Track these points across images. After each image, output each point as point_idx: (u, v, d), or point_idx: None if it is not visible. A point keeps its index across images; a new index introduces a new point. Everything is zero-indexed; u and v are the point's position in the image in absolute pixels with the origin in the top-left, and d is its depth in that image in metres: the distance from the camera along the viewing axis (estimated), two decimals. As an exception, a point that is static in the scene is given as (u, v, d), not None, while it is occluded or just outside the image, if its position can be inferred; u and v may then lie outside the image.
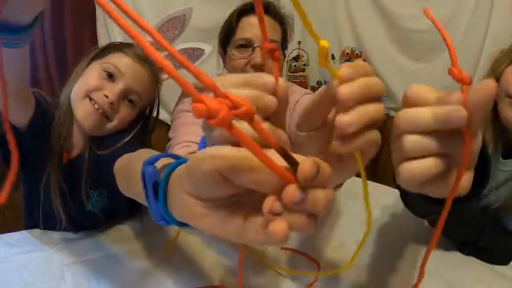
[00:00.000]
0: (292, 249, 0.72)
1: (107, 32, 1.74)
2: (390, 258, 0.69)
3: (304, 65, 2.25)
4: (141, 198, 0.41)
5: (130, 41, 0.79)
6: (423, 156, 0.28)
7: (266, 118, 0.30)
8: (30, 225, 0.81)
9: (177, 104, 0.96)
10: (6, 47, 0.42)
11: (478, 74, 1.74)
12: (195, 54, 0.97)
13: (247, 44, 0.88)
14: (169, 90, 1.03)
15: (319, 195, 0.21)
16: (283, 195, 0.21)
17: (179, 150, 0.82)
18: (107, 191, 0.79)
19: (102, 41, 1.73)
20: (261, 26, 0.29)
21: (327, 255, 0.71)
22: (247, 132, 0.19)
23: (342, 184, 0.68)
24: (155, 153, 0.57)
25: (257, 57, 0.84)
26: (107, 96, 0.71)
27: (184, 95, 0.97)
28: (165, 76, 0.88)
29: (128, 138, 0.75)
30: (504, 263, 0.68)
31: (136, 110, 0.78)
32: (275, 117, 0.31)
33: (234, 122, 0.19)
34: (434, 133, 0.27)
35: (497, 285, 0.63)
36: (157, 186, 0.30)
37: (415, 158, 0.28)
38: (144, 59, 0.77)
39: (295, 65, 2.25)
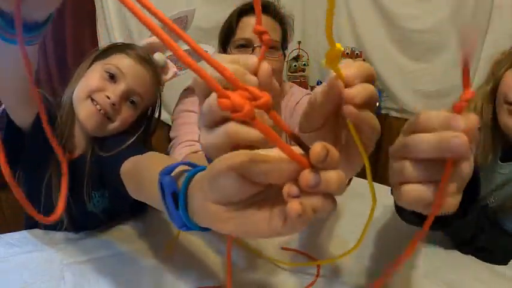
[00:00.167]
0: (292, 249, 0.72)
1: (107, 32, 1.74)
2: (390, 258, 0.69)
3: (304, 65, 2.25)
4: (153, 202, 0.42)
5: (130, 41, 0.79)
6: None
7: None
8: (30, 225, 0.81)
9: (177, 105, 0.96)
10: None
11: (478, 74, 1.74)
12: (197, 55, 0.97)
13: (247, 44, 0.88)
14: (170, 91, 1.03)
15: (331, 175, 0.22)
16: (299, 180, 0.22)
17: (182, 149, 0.82)
18: (108, 192, 0.79)
19: (102, 41, 1.73)
20: (256, 9, 0.30)
21: (328, 255, 0.72)
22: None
23: (349, 182, 0.68)
24: (163, 156, 0.58)
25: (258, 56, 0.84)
26: (108, 97, 0.71)
27: (184, 95, 0.97)
28: (167, 77, 0.88)
29: (132, 140, 0.75)
30: (503, 262, 0.68)
31: (138, 111, 0.78)
32: None
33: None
34: (434, 160, 0.28)
35: (496, 285, 0.63)
36: (176, 195, 0.31)
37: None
38: (146, 60, 0.77)
39: (295, 65, 2.25)
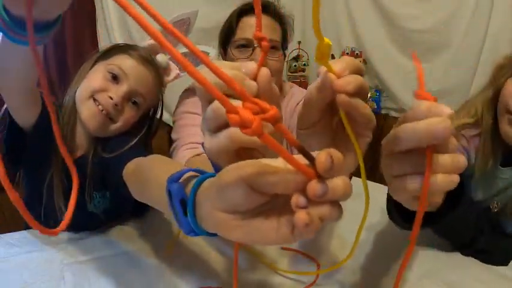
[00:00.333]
0: (292, 250, 0.72)
1: (107, 32, 1.74)
2: (389, 258, 0.69)
3: (304, 65, 2.25)
4: (157, 205, 0.43)
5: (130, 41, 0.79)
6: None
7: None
8: (30, 225, 0.81)
9: (178, 106, 0.96)
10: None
11: (478, 74, 1.74)
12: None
13: (247, 44, 0.88)
14: (170, 92, 1.03)
15: (337, 182, 0.23)
16: (307, 191, 0.23)
17: (184, 152, 0.82)
18: (110, 193, 0.79)
19: (102, 41, 1.73)
20: (256, 9, 0.31)
21: (327, 255, 0.71)
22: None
23: (350, 177, 0.68)
24: (166, 159, 0.58)
25: (257, 57, 0.84)
26: (111, 98, 0.72)
27: (185, 96, 0.96)
28: (169, 78, 0.88)
29: (134, 141, 0.75)
30: (504, 263, 0.68)
31: (140, 112, 0.78)
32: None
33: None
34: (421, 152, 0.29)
35: (497, 286, 0.63)
36: (184, 202, 0.32)
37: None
38: (149, 61, 0.78)
39: (295, 65, 2.24)
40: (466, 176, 0.49)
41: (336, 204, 0.24)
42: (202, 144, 0.34)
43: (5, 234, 0.76)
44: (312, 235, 0.24)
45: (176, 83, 0.91)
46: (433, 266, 0.67)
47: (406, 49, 1.98)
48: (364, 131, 0.33)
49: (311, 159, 0.23)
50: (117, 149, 0.71)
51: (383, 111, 2.12)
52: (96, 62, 0.77)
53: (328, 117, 0.35)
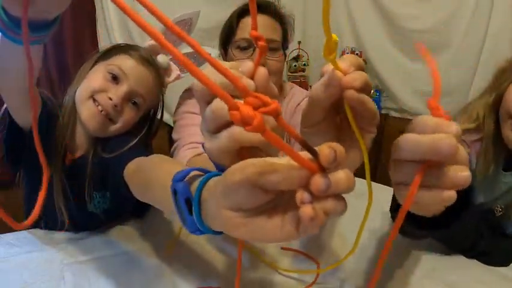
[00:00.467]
0: (292, 249, 0.72)
1: (107, 32, 1.73)
2: (389, 258, 0.69)
3: (304, 65, 2.25)
4: (159, 204, 0.43)
5: (130, 41, 0.79)
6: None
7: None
8: (30, 225, 0.81)
9: (178, 106, 0.96)
10: (31, 45, 0.43)
11: (478, 74, 1.74)
12: (200, 57, 0.97)
13: (248, 44, 0.88)
14: (171, 92, 1.03)
15: (340, 175, 0.23)
16: (311, 186, 0.23)
17: (185, 152, 0.82)
18: (110, 193, 0.79)
19: (102, 42, 1.72)
20: (251, 8, 0.30)
21: (328, 254, 0.71)
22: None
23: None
24: (168, 159, 0.58)
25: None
26: (111, 99, 0.71)
27: (186, 96, 0.96)
28: (170, 79, 0.88)
29: (134, 142, 0.75)
30: (505, 264, 0.68)
31: (140, 112, 0.78)
32: None
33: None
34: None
35: (498, 287, 0.63)
36: (190, 201, 0.32)
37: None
38: (149, 62, 0.77)
39: (295, 65, 2.24)
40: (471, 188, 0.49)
41: (340, 198, 0.24)
42: (203, 144, 0.34)
43: (5, 234, 0.76)
44: (317, 230, 0.24)
45: (176, 83, 0.91)
46: (433, 267, 0.67)
47: (406, 49, 1.98)
48: (369, 126, 0.33)
49: (314, 153, 0.23)
50: (117, 149, 0.71)
51: (383, 111, 2.12)
52: (96, 62, 0.77)
53: (332, 116, 0.35)
